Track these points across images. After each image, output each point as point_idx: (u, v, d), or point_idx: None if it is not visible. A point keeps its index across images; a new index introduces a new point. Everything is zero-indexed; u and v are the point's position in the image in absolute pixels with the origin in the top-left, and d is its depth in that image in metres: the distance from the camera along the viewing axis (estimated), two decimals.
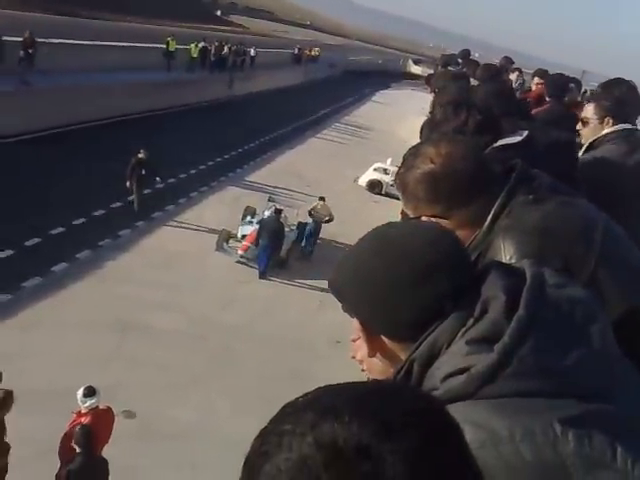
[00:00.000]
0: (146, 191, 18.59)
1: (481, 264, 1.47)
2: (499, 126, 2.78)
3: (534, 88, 7.09)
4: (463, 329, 0.99)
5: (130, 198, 17.11)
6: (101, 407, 6.70)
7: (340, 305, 1.10)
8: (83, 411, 6.53)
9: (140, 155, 17.09)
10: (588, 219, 1.55)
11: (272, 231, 15.54)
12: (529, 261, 1.11)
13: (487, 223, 1.51)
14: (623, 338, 1.40)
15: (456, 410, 0.81)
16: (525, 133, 2.77)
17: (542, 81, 7.10)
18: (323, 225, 17.76)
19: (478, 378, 0.94)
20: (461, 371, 0.96)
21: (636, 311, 1.44)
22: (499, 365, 0.94)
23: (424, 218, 1.54)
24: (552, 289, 1.03)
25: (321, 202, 18.03)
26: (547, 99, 4.98)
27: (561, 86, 4.96)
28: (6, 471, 6.16)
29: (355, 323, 1.10)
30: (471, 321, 0.99)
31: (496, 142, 2.70)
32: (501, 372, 0.94)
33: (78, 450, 6.09)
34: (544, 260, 1.39)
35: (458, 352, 0.98)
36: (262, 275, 15.47)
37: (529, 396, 0.93)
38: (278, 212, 16.50)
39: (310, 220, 17.68)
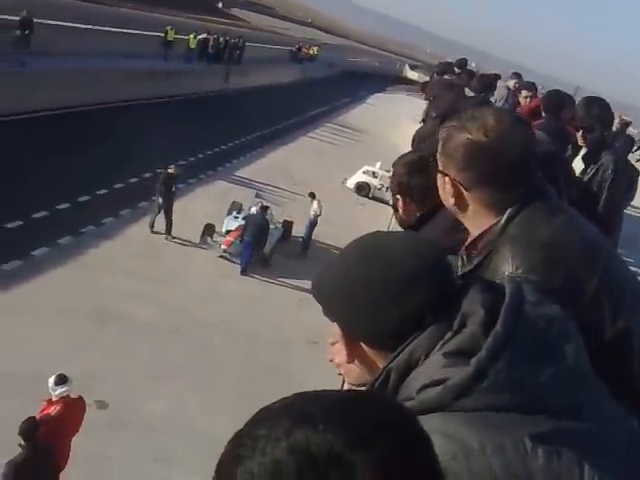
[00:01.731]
0: (132, 180, 18.50)
1: (486, 266, 1.49)
2: None
3: (522, 102, 7.13)
4: (441, 341, 1.01)
5: (154, 217, 15.88)
6: (72, 396, 6.64)
7: (320, 307, 1.11)
8: (54, 399, 6.47)
9: (170, 170, 16.14)
10: (594, 239, 1.58)
11: (257, 228, 15.51)
12: (509, 277, 1.13)
13: (500, 225, 1.52)
14: (616, 357, 1.41)
15: (429, 421, 0.85)
16: None
17: (530, 93, 7.14)
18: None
19: (453, 390, 0.95)
20: (437, 383, 0.97)
21: (630, 333, 1.48)
22: (474, 379, 0.95)
23: (442, 179, 1.57)
24: (530, 306, 1.05)
25: (315, 201, 18.08)
26: (543, 115, 5.02)
27: (557, 102, 5.00)
28: None
29: (335, 328, 1.11)
30: (449, 334, 1.01)
31: None
32: (476, 386, 0.95)
33: (22, 442, 6.03)
34: (549, 275, 1.43)
35: (435, 364, 1.00)
36: (243, 271, 15.43)
37: (502, 410, 0.95)
38: (264, 209, 16.48)
39: (312, 216, 17.75)
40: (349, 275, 1.07)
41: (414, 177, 2.39)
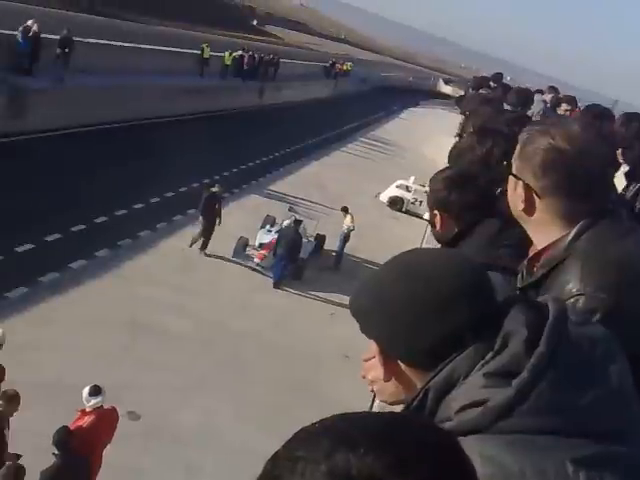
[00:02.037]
0: (168, 194, 18.75)
1: (550, 281, 1.47)
2: None
3: (562, 115, 7.03)
4: (482, 361, 0.99)
5: (197, 237, 15.83)
6: (106, 407, 6.70)
7: (352, 321, 1.10)
8: (87, 410, 6.54)
9: (214, 189, 16.09)
10: None
11: (290, 241, 15.56)
12: (552, 296, 1.10)
13: (569, 240, 1.50)
14: None
15: (469, 443, 0.83)
16: None
17: (570, 107, 7.04)
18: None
19: (494, 412, 0.94)
20: (477, 404, 0.95)
21: None
22: (515, 401, 0.93)
23: (513, 183, 1.54)
24: (573, 327, 1.03)
25: (348, 215, 18.10)
26: None
27: (597, 117, 4.93)
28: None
29: (372, 345, 1.10)
30: (490, 354, 0.99)
31: None
32: (517, 408, 0.93)
33: (56, 452, 6.09)
34: (619, 295, 1.40)
35: (475, 384, 0.98)
36: (276, 285, 15.47)
37: (543, 433, 0.93)
38: (298, 223, 16.53)
39: (345, 230, 17.78)
40: (388, 293, 1.06)
41: (452, 192, 2.38)
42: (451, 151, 3.83)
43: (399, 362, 1.08)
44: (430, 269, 1.07)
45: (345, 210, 18.33)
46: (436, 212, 2.40)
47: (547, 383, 0.94)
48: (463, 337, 1.00)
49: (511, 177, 1.58)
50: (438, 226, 2.42)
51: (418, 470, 0.61)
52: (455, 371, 1.00)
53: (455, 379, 1.00)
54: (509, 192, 1.60)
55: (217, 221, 15.93)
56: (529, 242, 1.63)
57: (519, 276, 1.59)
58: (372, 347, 1.10)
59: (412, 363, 1.06)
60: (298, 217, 17.35)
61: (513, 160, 1.59)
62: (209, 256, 15.83)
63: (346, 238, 17.80)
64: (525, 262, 1.59)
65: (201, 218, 15.73)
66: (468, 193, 2.36)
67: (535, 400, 0.93)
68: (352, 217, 18.08)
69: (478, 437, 0.93)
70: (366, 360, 1.14)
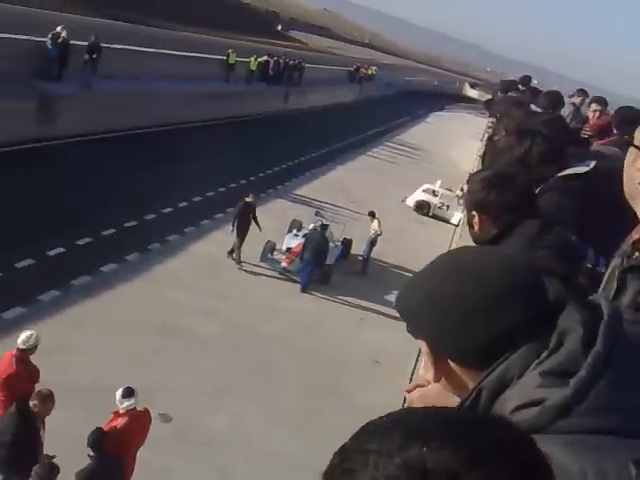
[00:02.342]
0: (196, 199, 18.90)
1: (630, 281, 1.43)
2: (564, 155, 2.74)
3: (591, 115, 6.95)
4: (536, 360, 0.98)
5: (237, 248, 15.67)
6: (139, 408, 6.76)
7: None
8: (121, 411, 6.61)
9: (248, 199, 15.90)
10: None
11: (317, 246, 15.58)
12: (604, 295, 1.08)
13: None
14: None
15: None
16: (592, 163, 2.72)
17: (599, 108, 6.95)
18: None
19: (551, 412, 0.92)
20: (533, 403, 0.94)
21: None
22: (574, 400, 0.92)
23: (634, 155, 1.47)
24: (628, 325, 1.01)
25: (376, 220, 18.07)
26: (614, 132, 4.88)
27: (630, 119, 4.86)
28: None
29: (423, 346, 1.09)
30: (545, 353, 0.98)
31: (561, 171, 2.66)
32: (575, 407, 0.92)
33: (91, 453, 6.16)
34: None
35: (530, 384, 0.96)
36: (304, 289, 15.49)
37: (602, 434, 0.91)
38: (324, 227, 16.55)
39: (372, 235, 17.76)
40: (438, 291, 1.05)
41: (491, 193, 2.35)
42: (485, 153, 3.81)
43: (449, 362, 1.07)
44: (481, 267, 1.06)
45: (372, 215, 18.30)
46: (474, 213, 2.37)
47: (605, 382, 0.92)
48: (517, 336, 0.99)
49: (632, 149, 1.51)
50: (476, 227, 2.39)
51: (495, 465, 0.61)
52: (509, 370, 0.98)
53: (509, 378, 0.98)
54: (626, 165, 1.53)
55: (257, 229, 15.78)
56: (636, 222, 1.56)
57: (618, 259, 1.53)
58: (423, 348, 1.09)
59: (463, 362, 1.05)
60: (324, 221, 17.37)
61: (637, 132, 1.51)
62: (245, 271, 15.66)
63: (373, 243, 17.78)
64: (629, 243, 1.55)
65: (234, 229, 15.55)
66: (506, 194, 2.33)
67: (593, 400, 0.91)
68: (379, 222, 18.05)
69: (535, 437, 0.92)
70: (418, 386, 1.13)
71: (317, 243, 15.66)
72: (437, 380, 1.10)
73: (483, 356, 1.01)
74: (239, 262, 15.63)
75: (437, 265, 1.12)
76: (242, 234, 15.61)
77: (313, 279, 15.78)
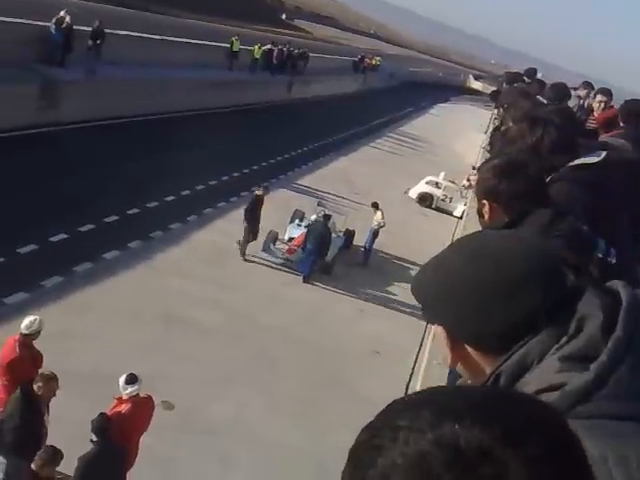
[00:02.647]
0: (199, 187, 18.87)
1: None
2: (575, 145, 2.72)
3: (596, 106, 6.93)
4: (556, 345, 0.98)
5: (245, 244, 15.45)
6: (142, 395, 6.78)
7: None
8: (124, 397, 6.62)
9: (259, 192, 15.80)
10: None
11: (319, 236, 15.56)
12: (623, 282, 1.08)
13: None
14: None
15: None
16: (603, 154, 2.71)
17: (605, 99, 6.92)
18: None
19: (572, 396, 0.92)
20: (553, 388, 0.94)
21: None
22: (595, 385, 0.92)
23: None
24: None
25: (379, 211, 18.05)
26: (621, 124, 4.85)
27: (637, 112, 4.83)
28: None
29: (439, 330, 1.09)
30: (565, 338, 0.98)
31: (572, 161, 2.64)
32: (596, 392, 0.92)
33: (95, 439, 6.17)
34: None
35: (550, 368, 0.96)
36: (306, 279, 15.49)
37: (622, 419, 0.91)
38: (327, 218, 16.54)
39: (375, 226, 17.76)
40: (456, 276, 1.05)
41: (502, 181, 2.31)
42: (491, 142, 3.78)
43: (467, 346, 1.07)
44: (499, 251, 1.05)
45: (375, 206, 18.28)
46: (485, 202, 2.33)
47: (626, 368, 0.93)
48: (536, 321, 0.99)
49: None
50: (487, 216, 2.36)
51: (529, 442, 0.60)
52: (528, 355, 0.98)
53: (529, 363, 0.99)
54: None
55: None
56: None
57: None
58: (440, 333, 1.09)
59: (481, 347, 1.05)
60: (327, 212, 17.36)
61: None
62: (247, 261, 15.62)
63: (375, 234, 17.77)
64: None
65: (246, 223, 15.40)
66: (518, 182, 2.29)
67: (614, 385, 0.92)
68: (382, 213, 18.03)
69: None
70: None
71: (319, 234, 15.64)
72: (454, 365, 1.10)
73: (501, 341, 1.01)
74: (243, 254, 15.55)
75: (455, 249, 1.11)
76: (253, 228, 15.48)
77: (315, 269, 15.78)
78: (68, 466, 6.18)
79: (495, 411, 0.63)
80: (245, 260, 15.55)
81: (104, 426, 6.18)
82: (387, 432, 0.63)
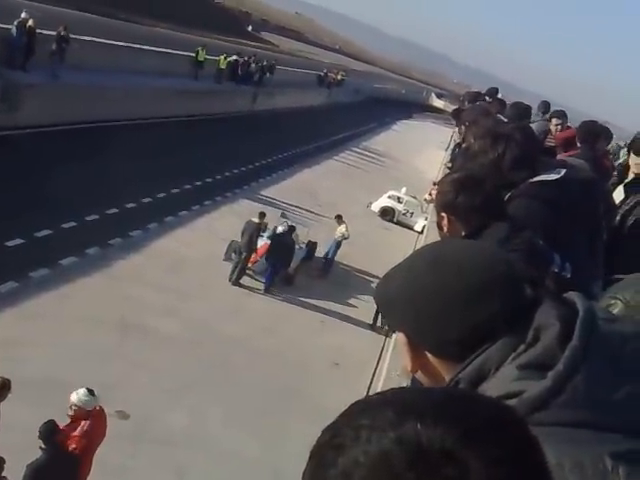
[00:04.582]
0: (160, 195, 18.67)
1: None
2: (536, 162, 2.80)
3: (553, 129, 7.12)
4: (513, 354, 0.98)
5: (234, 269, 15.29)
6: (97, 408, 6.61)
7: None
8: (80, 411, 6.42)
9: (256, 220, 15.65)
10: None
11: (283, 247, 15.56)
12: (579, 294, 1.10)
13: None
14: None
15: None
16: (563, 171, 2.79)
17: (560, 121, 7.13)
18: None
19: (530, 403, 0.93)
20: (511, 395, 0.94)
21: None
22: (552, 393, 0.93)
23: None
24: (603, 323, 1.02)
25: (343, 224, 18.14)
26: (578, 145, 5.00)
27: (594, 133, 4.98)
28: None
29: (400, 337, 1.09)
30: (523, 346, 0.98)
31: (532, 177, 2.72)
32: (553, 400, 0.93)
33: (43, 446, 6.01)
34: None
35: (508, 376, 0.97)
36: (267, 290, 15.44)
37: (578, 427, 0.92)
38: (292, 229, 16.55)
39: (338, 238, 17.85)
40: (417, 282, 1.06)
41: (460, 195, 2.35)
42: (455, 156, 3.86)
43: (427, 353, 1.07)
44: (461, 259, 1.06)
45: (339, 218, 18.37)
46: (443, 214, 2.37)
47: (582, 377, 0.93)
48: (494, 329, 0.99)
49: None
50: (446, 229, 2.38)
51: (492, 443, 0.60)
52: (487, 363, 0.99)
53: (487, 371, 0.99)
54: None
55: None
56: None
57: None
58: (401, 339, 1.09)
59: (441, 354, 1.05)
60: (290, 223, 17.36)
61: None
62: (241, 286, 15.40)
63: (338, 245, 17.86)
64: None
65: (241, 251, 15.27)
66: (475, 196, 2.33)
67: (571, 393, 0.92)
68: (346, 225, 18.14)
69: None
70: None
71: (283, 244, 15.64)
72: (414, 371, 1.10)
73: (460, 348, 1.01)
74: (237, 282, 15.23)
75: (418, 256, 1.12)
76: (248, 255, 15.32)
77: (277, 280, 15.75)
78: (17, 475, 6.01)
79: (457, 411, 0.63)
80: (235, 285, 15.29)
81: (51, 432, 6.02)
82: (349, 431, 0.62)
